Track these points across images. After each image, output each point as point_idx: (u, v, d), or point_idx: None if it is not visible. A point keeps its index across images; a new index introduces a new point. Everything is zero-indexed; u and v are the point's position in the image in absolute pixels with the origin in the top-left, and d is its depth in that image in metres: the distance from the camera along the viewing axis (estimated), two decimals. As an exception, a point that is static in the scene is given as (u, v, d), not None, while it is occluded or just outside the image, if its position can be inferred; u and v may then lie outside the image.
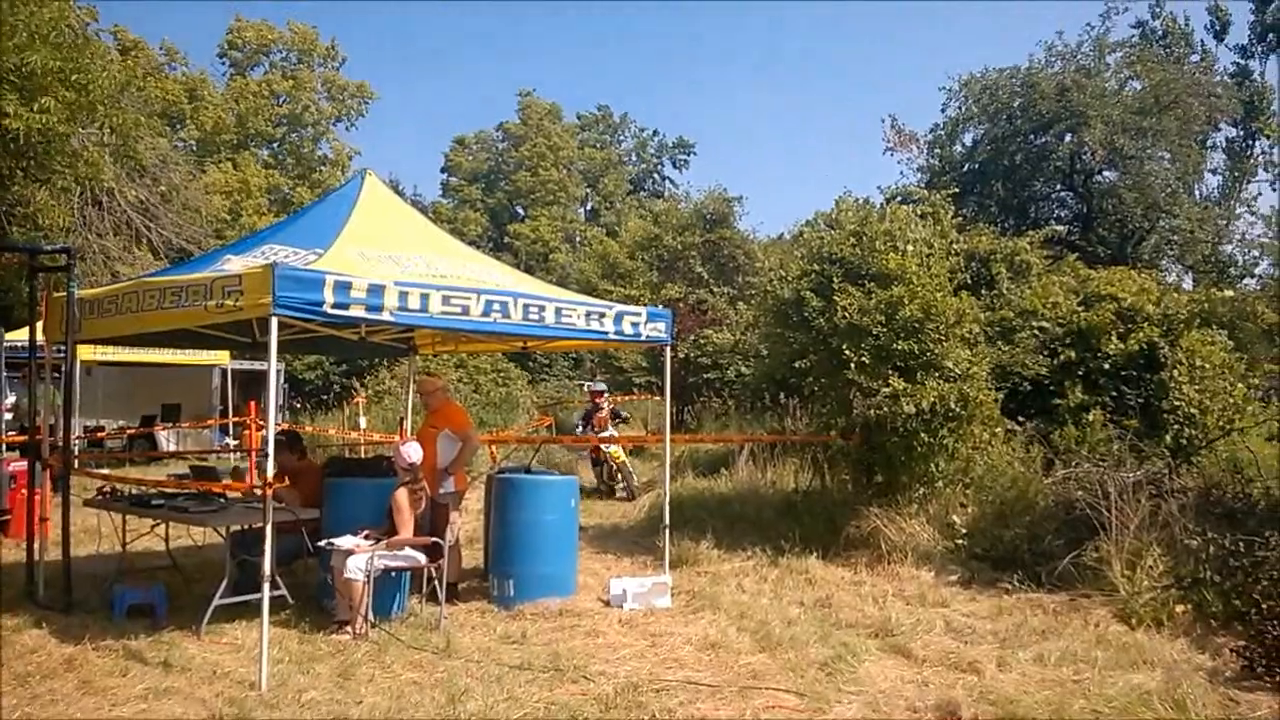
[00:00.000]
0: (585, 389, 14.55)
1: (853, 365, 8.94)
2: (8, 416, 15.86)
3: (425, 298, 6.30)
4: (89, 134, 7.75)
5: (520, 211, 52.84)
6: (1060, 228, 20.97)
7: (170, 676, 5.55)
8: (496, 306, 6.70)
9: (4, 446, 12.61)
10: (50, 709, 5.05)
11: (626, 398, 23.88)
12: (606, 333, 7.57)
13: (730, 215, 22.20)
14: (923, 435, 8.82)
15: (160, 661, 5.78)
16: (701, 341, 18.85)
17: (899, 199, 16.63)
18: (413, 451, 7.01)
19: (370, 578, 6.47)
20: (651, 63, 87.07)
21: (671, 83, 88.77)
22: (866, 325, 8.97)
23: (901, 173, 20.63)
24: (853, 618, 7.07)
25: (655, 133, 61.66)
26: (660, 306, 9.05)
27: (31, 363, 8.58)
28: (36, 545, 7.50)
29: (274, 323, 5.71)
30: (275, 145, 42.44)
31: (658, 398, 22.02)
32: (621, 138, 62.43)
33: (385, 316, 6.18)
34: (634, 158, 62.14)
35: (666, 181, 60.72)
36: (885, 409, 8.78)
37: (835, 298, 9.32)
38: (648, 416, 21.89)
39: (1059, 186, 25.34)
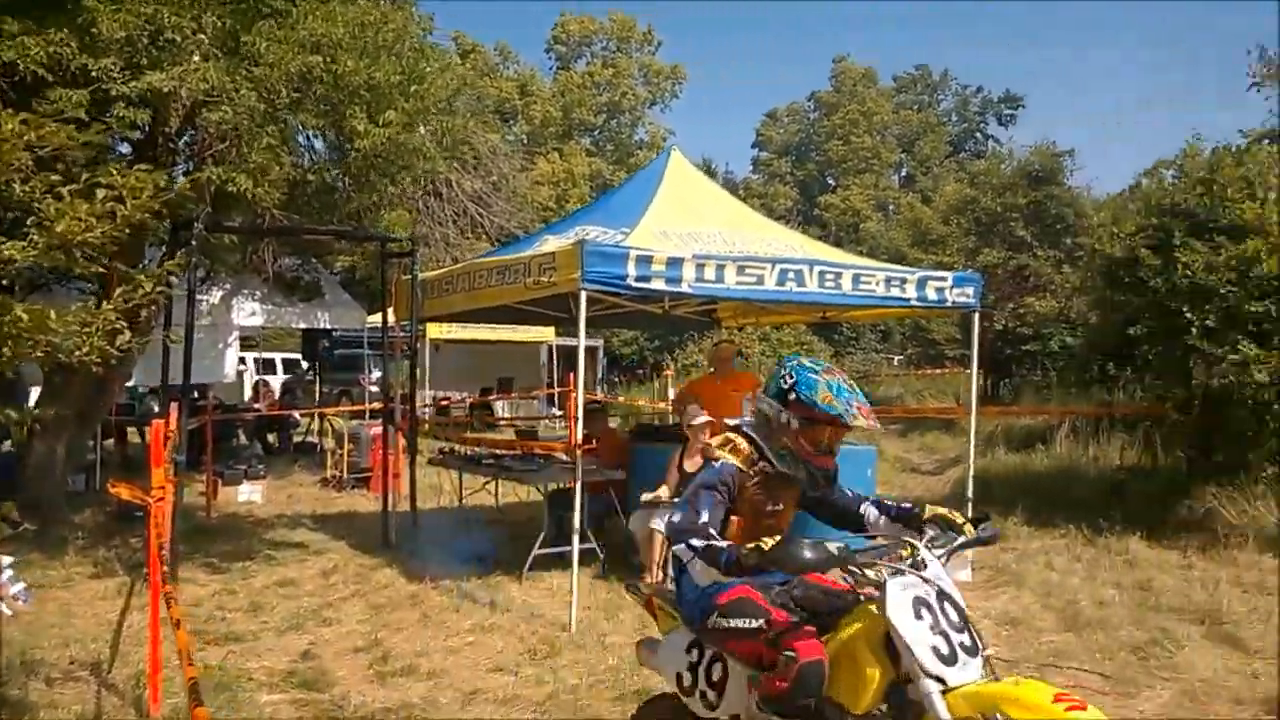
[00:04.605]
0: None
1: (1194, 330, 8.01)
2: (373, 389, 18.28)
3: (721, 269, 6.46)
4: (425, 133, 8.51)
5: (831, 182, 52.08)
6: None
7: (495, 615, 6.17)
8: (791, 275, 6.71)
9: (367, 414, 14.55)
10: (397, 635, 5.81)
11: (937, 371, 22.91)
12: (909, 299, 7.31)
13: (1059, 171, 20.27)
14: (1277, 407, 7.76)
15: (487, 602, 6.43)
16: (1021, 311, 17.47)
17: (1266, 140, 14.36)
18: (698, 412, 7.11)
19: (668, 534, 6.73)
20: (972, 15, 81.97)
21: (995, 33, 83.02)
22: (1213, 285, 8.00)
23: (1271, 110, 17.64)
24: (1176, 603, 6.36)
25: (979, 89, 58.05)
26: (972, 272, 8.57)
27: (384, 340, 9.69)
28: (389, 498, 8.60)
29: (583, 296, 6.15)
30: (596, 133, 44.92)
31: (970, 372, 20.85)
32: (941, 97, 59.41)
33: (684, 288, 6.46)
34: (954, 118, 58.88)
35: (990, 141, 56.88)
36: (1232, 378, 7.81)
37: (1176, 254, 8.36)
38: (960, 392, 20.84)
39: None
